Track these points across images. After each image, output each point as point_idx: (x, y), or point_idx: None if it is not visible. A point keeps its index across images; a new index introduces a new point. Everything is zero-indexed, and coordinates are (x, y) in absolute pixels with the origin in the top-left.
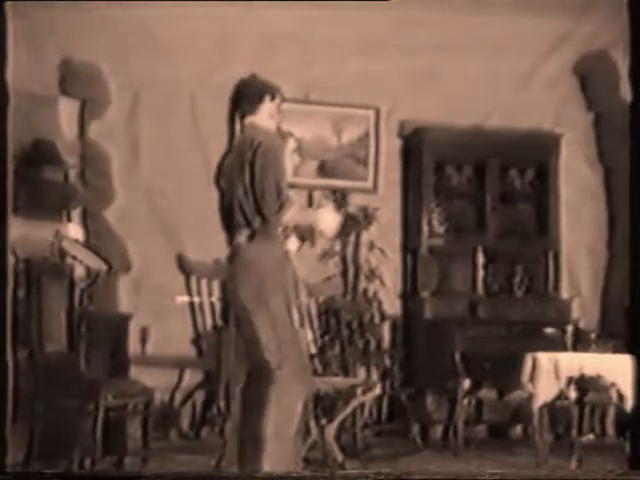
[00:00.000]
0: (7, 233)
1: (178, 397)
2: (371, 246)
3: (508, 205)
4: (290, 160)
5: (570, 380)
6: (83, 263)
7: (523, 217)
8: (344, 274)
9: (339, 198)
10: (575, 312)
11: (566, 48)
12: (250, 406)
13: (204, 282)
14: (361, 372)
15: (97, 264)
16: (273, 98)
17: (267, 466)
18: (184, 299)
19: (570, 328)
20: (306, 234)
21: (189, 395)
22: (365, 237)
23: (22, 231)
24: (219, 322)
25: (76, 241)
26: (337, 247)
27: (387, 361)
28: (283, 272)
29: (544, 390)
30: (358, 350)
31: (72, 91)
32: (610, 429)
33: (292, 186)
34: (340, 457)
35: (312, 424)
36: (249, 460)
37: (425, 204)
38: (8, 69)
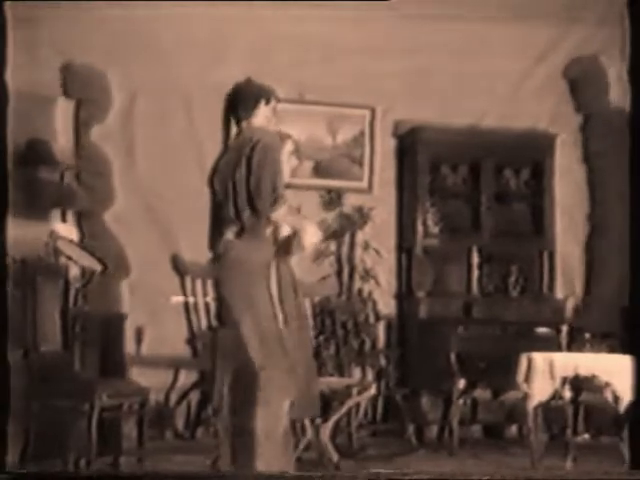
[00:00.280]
0: (7, 233)
1: (173, 397)
2: (366, 246)
3: (503, 205)
4: (288, 162)
5: (565, 380)
6: (78, 263)
7: (518, 217)
8: (339, 274)
9: (334, 198)
10: (570, 312)
11: (558, 51)
12: (239, 406)
13: (199, 282)
14: (356, 372)
15: (92, 264)
16: (268, 102)
17: (260, 466)
18: (179, 299)
19: (565, 328)
20: (283, 243)
21: (184, 395)
22: (360, 237)
23: (17, 231)
24: (214, 322)
25: (71, 241)
26: (332, 247)
27: (382, 361)
28: (270, 271)
29: (539, 390)
30: (353, 350)
31: (68, 91)
32: (605, 429)
33: (287, 186)
34: (335, 457)
35: (307, 424)
36: (241, 460)
37: (420, 204)
38: (7, 69)
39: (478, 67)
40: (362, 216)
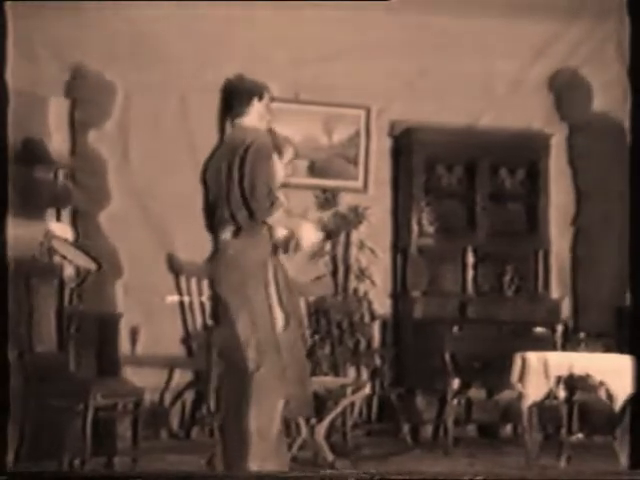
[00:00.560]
0: (7, 233)
1: (168, 397)
2: (361, 245)
3: (498, 205)
4: (285, 170)
5: (559, 379)
6: (73, 263)
7: (513, 217)
8: (334, 274)
9: (330, 197)
10: (565, 311)
11: (554, 52)
12: (233, 405)
13: (194, 282)
14: (351, 372)
15: (87, 264)
16: (261, 98)
17: (254, 465)
18: (174, 299)
19: (560, 327)
20: (281, 242)
21: (179, 395)
22: (355, 236)
23: (11, 230)
24: (209, 321)
25: (66, 240)
26: (327, 247)
27: (377, 361)
28: (267, 270)
29: (533, 389)
30: (348, 350)
31: (64, 91)
32: (599, 428)
33: (282, 185)
34: (330, 456)
35: (302, 423)
36: (235, 460)
37: (415, 204)
38: (7, 69)
39: (473, 67)
40: (357, 216)
